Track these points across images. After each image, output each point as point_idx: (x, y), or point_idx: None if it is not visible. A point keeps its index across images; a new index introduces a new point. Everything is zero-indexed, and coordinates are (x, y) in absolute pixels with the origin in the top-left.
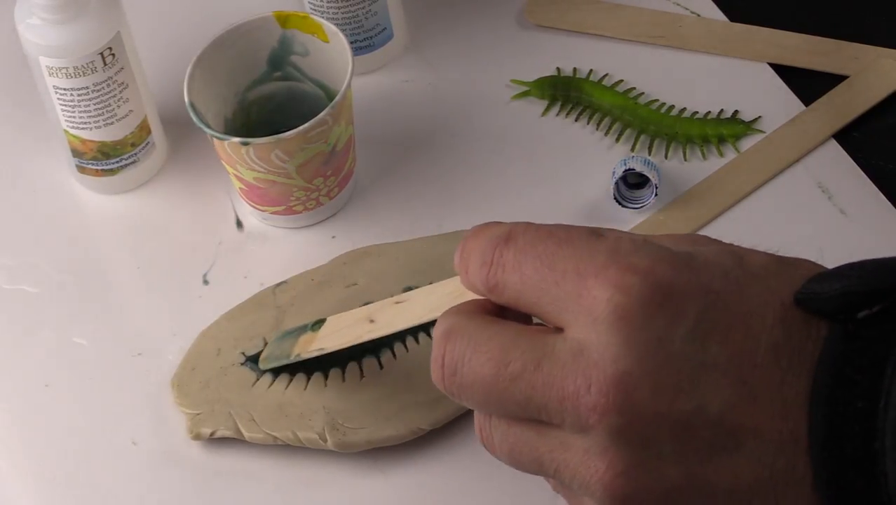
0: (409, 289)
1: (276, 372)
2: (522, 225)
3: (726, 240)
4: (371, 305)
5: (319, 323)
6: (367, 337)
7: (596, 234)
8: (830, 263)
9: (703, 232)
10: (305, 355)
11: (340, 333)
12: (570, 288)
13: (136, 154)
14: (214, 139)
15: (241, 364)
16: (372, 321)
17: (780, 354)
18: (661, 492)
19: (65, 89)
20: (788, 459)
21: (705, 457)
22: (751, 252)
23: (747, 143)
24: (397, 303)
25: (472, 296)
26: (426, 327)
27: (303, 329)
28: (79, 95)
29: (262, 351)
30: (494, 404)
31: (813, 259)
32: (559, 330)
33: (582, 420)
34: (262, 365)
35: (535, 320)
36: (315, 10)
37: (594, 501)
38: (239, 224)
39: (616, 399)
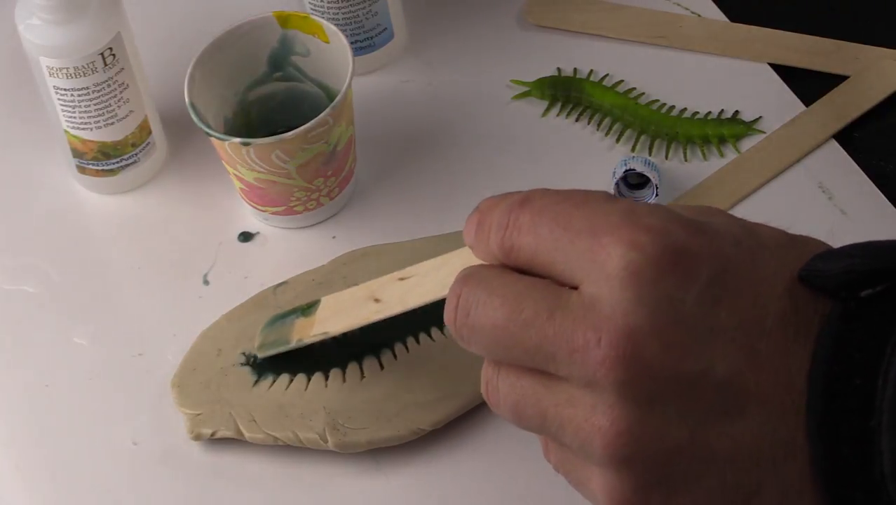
0: None
1: (277, 372)
2: (539, 190)
3: None
4: (369, 282)
5: (312, 306)
6: (377, 318)
7: (611, 197)
8: None
9: None
10: (308, 340)
11: (343, 314)
12: (584, 246)
13: (136, 154)
14: (215, 140)
15: (242, 364)
16: (377, 300)
17: (787, 324)
18: (661, 453)
19: (65, 90)
20: (789, 429)
21: (709, 420)
22: (760, 225)
23: (748, 144)
24: (401, 279)
25: None
26: (427, 327)
27: (294, 313)
28: (79, 96)
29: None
30: (503, 350)
31: None
32: (574, 287)
33: (590, 373)
34: (260, 353)
35: None
36: (315, 10)
37: (593, 461)
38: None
39: (625, 353)
